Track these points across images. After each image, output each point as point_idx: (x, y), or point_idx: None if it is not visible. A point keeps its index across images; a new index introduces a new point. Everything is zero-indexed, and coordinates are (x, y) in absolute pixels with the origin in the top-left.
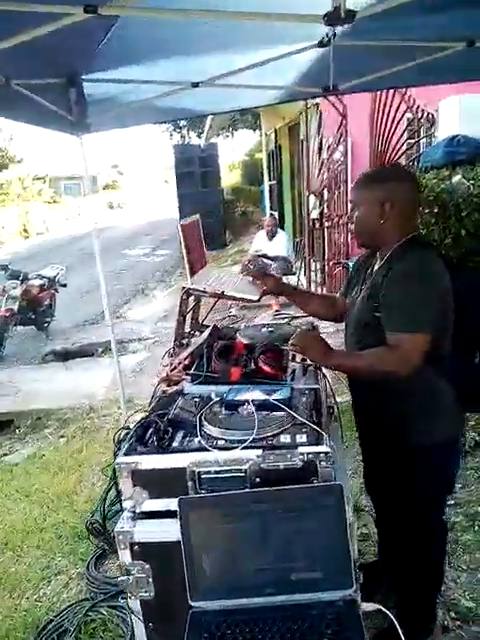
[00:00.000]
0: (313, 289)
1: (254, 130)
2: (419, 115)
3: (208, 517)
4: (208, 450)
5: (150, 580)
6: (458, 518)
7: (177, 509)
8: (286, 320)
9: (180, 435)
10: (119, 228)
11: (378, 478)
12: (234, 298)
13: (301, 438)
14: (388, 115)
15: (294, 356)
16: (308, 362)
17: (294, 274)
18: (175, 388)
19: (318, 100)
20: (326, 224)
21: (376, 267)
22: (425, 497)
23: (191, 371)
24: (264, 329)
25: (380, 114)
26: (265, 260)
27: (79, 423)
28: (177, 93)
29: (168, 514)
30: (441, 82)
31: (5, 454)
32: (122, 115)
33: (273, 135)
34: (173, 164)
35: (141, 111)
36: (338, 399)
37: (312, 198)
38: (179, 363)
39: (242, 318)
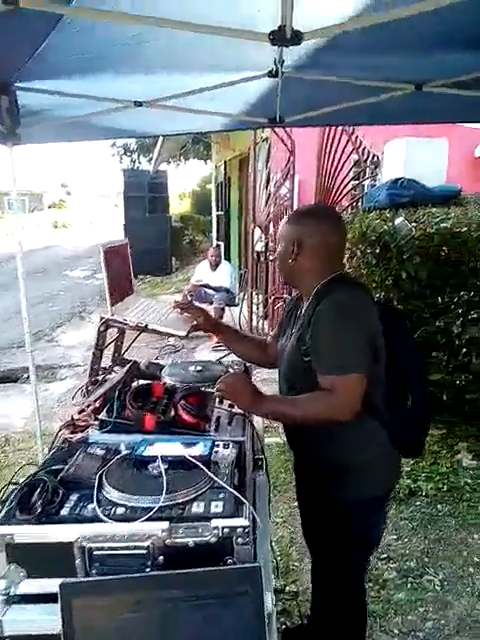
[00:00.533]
0: (255, 322)
1: (205, 161)
2: (365, 156)
3: (98, 605)
4: (103, 521)
5: None
6: (391, 574)
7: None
8: (224, 354)
9: (74, 499)
10: (61, 248)
11: (309, 527)
12: (159, 332)
13: (217, 507)
14: (335, 154)
15: (222, 401)
16: (236, 409)
17: (237, 305)
18: (80, 435)
19: (267, 134)
20: (270, 257)
21: (303, 309)
22: (351, 552)
23: (100, 416)
24: (192, 368)
25: (327, 153)
26: (207, 291)
27: None
28: (119, 111)
29: (50, 598)
30: (388, 123)
31: None
32: (59, 129)
33: (223, 167)
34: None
35: (79, 127)
36: (276, 439)
37: (257, 231)
38: (88, 405)
39: (181, 348)
